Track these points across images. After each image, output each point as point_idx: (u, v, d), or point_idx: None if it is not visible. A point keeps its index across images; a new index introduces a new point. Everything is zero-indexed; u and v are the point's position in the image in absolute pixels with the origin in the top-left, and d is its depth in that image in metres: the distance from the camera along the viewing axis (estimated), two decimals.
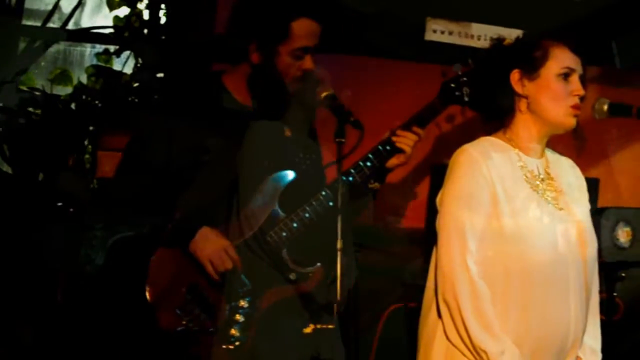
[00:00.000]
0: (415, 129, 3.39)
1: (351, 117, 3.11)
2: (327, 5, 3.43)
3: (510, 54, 3.00)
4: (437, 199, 2.96)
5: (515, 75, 2.96)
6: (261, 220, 3.31)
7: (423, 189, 4.40)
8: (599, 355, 3.07)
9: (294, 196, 3.32)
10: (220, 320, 3.25)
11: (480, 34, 4.41)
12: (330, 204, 3.24)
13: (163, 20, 5.22)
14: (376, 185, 3.45)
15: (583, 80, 2.98)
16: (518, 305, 2.84)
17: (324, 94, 3.20)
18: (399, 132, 3.39)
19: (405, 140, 3.38)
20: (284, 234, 3.31)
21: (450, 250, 2.85)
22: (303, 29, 3.33)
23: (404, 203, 4.30)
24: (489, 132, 3.05)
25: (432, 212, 3.02)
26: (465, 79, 3.35)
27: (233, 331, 3.25)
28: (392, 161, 3.41)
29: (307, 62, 3.34)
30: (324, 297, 3.06)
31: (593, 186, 4.22)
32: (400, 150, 3.37)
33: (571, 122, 2.95)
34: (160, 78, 4.80)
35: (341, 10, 3.96)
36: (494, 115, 3.05)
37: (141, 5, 5.32)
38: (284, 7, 3.36)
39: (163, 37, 5.11)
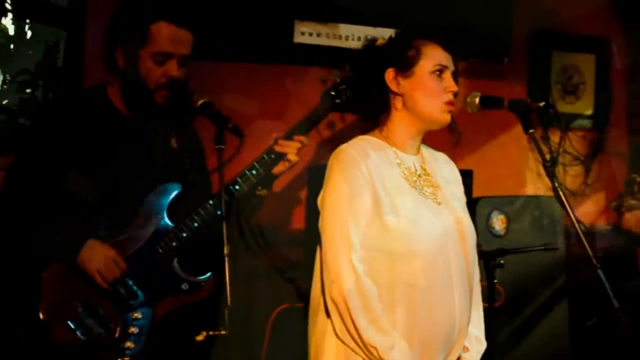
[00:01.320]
0: (297, 137, 3.43)
1: (230, 123, 3.09)
2: (187, 9, 3.39)
3: (384, 54, 3.04)
4: (319, 200, 2.97)
5: (390, 74, 3.00)
6: (150, 232, 3.30)
7: (301, 190, 4.42)
8: (484, 343, 3.14)
9: (183, 206, 3.32)
10: (114, 332, 3.22)
11: (348, 34, 4.44)
12: (219, 212, 3.23)
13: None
14: (264, 192, 3.45)
15: (455, 76, 3.04)
16: (404, 300, 2.87)
17: (200, 102, 3.19)
18: (281, 142, 3.42)
19: (289, 149, 3.41)
20: (174, 243, 3.30)
21: (335, 249, 2.86)
22: (163, 32, 3.30)
23: (284, 205, 4.31)
24: (366, 131, 3.08)
25: (311, 213, 3.02)
26: (344, 86, 3.38)
27: (128, 343, 3.23)
28: (278, 168, 3.44)
29: (172, 69, 3.31)
30: (216, 304, 3.04)
31: (467, 178, 4.32)
32: (283, 156, 3.41)
33: (446, 118, 3.00)
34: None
35: (206, 15, 3.91)
36: (371, 114, 3.09)
37: (6, 21, 5.16)
38: (143, 10, 3.33)
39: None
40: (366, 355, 2.83)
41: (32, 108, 3.37)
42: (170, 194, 3.34)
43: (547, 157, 2.93)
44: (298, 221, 4.49)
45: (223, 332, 2.78)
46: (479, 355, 3.11)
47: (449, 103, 2.99)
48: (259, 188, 3.45)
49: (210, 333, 2.84)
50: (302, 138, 3.44)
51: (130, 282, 3.27)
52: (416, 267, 2.87)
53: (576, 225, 2.78)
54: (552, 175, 2.90)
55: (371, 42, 3.10)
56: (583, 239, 2.75)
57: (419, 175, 3.04)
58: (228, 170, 3.04)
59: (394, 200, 2.91)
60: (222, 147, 2.98)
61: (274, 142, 3.43)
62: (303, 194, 4.41)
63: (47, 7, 3.41)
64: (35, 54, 4.24)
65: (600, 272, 2.72)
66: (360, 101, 3.12)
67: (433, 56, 3.00)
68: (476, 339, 3.11)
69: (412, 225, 2.89)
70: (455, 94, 3.02)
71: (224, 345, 2.80)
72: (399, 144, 3.04)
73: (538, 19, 5.28)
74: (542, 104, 2.95)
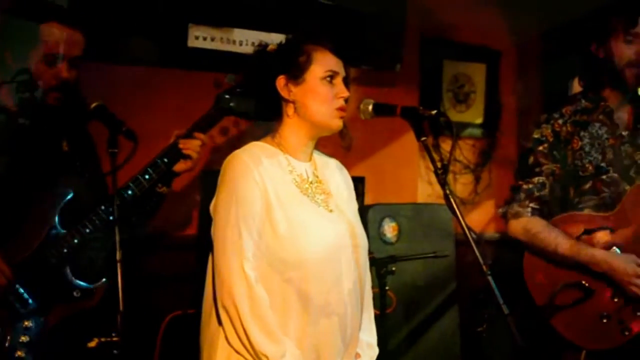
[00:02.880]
0: (198, 135, 3.42)
1: (123, 127, 3.07)
2: (78, 9, 3.35)
3: (275, 60, 3.03)
4: (211, 206, 2.96)
5: (281, 81, 3.00)
6: (40, 237, 3.25)
7: (194, 195, 4.38)
8: (376, 349, 3.17)
9: (75, 211, 3.27)
10: (5, 341, 3.16)
11: (242, 39, 4.42)
12: (111, 217, 3.19)
13: None
14: (164, 189, 3.42)
15: (347, 82, 3.05)
16: (296, 307, 2.87)
17: (93, 105, 3.15)
18: (182, 140, 3.41)
19: (190, 146, 3.40)
20: (65, 250, 3.24)
21: (227, 257, 2.84)
22: (51, 33, 3.27)
23: (175, 210, 4.26)
24: (258, 137, 3.07)
25: (204, 218, 2.99)
26: (238, 90, 3.36)
27: (19, 352, 3.17)
28: (180, 166, 3.42)
29: (62, 70, 3.28)
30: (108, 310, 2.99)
31: (359, 184, 4.34)
32: (181, 157, 3.40)
33: (338, 124, 3.01)
34: None
35: (100, 17, 3.86)
36: (263, 118, 3.07)
37: None
38: (33, 12, 3.30)
39: None
40: None
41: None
42: (62, 198, 3.27)
43: (439, 164, 2.92)
44: (191, 227, 4.45)
45: (115, 339, 2.75)
46: None
47: (341, 109, 3.00)
48: (159, 185, 3.43)
49: (102, 339, 2.81)
50: (202, 136, 3.43)
51: (21, 290, 3.20)
52: (307, 275, 2.87)
53: (467, 232, 2.81)
54: (443, 183, 2.92)
55: (262, 48, 3.09)
56: (474, 246, 2.78)
57: (311, 182, 3.04)
58: (122, 174, 3.02)
59: (286, 208, 2.91)
60: (116, 150, 2.96)
61: (174, 140, 3.42)
62: (196, 199, 4.37)
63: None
64: None
65: (490, 279, 2.75)
66: (253, 106, 3.11)
67: (323, 62, 3.00)
68: (368, 345, 3.13)
69: (303, 232, 2.89)
70: (347, 100, 3.02)
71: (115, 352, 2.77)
72: (292, 151, 3.03)
73: (430, 28, 5.36)
74: (434, 112, 2.97)
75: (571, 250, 3.70)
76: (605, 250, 3.69)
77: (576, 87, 4.53)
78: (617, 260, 3.66)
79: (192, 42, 4.31)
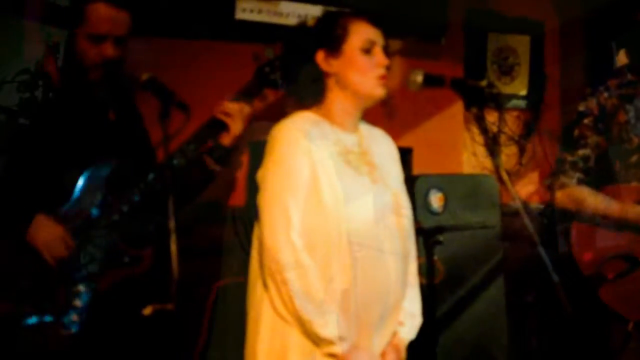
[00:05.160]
0: (235, 104, 3.41)
1: (175, 98, 3.09)
2: None
3: (313, 36, 3.06)
4: (258, 176, 2.99)
5: (320, 55, 3.02)
6: (91, 205, 3.29)
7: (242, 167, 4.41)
8: (419, 319, 3.17)
9: (124, 179, 3.30)
10: (60, 306, 3.21)
11: (289, 11, 4.43)
12: (158, 186, 3.23)
13: None
14: (217, 167, 3.44)
15: (386, 50, 3.06)
16: (340, 275, 2.90)
17: (144, 77, 3.18)
18: (221, 105, 3.41)
19: (229, 110, 3.39)
20: (115, 217, 3.27)
21: (273, 224, 2.88)
22: (98, 13, 3.31)
23: (224, 181, 4.29)
24: (305, 107, 3.09)
25: (252, 189, 3.02)
26: (278, 62, 3.38)
27: (73, 317, 3.21)
28: (225, 139, 3.40)
29: (107, 49, 3.32)
30: (161, 277, 3.03)
31: (407, 155, 4.35)
32: (224, 128, 3.39)
33: (380, 92, 3.03)
34: None
35: None
36: (307, 95, 3.09)
37: None
38: None
39: None
40: (301, 328, 2.86)
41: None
42: (109, 167, 3.31)
43: (489, 135, 2.93)
44: (238, 198, 4.48)
45: (169, 306, 2.79)
46: (415, 330, 3.15)
47: (382, 77, 3.02)
48: (214, 162, 3.44)
49: (157, 307, 2.84)
50: (242, 104, 3.43)
51: (75, 256, 3.25)
52: (352, 245, 2.90)
53: (518, 202, 2.82)
54: (494, 154, 2.94)
55: (302, 23, 3.14)
56: (525, 216, 2.78)
57: (357, 154, 3.06)
58: (173, 145, 3.07)
59: (331, 178, 2.93)
60: (167, 121, 2.99)
61: (216, 111, 3.42)
62: (244, 170, 4.40)
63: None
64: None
65: (540, 248, 2.76)
66: (296, 82, 3.13)
67: (361, 33, 3.02)
68: (410, 315, 3.14)
69: (347, 203, 2.91)
70: (388, 68, 3.04)
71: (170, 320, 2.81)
72: (338, 122, 3.06)
73: (474, 0, 5.34)
74: (484, 82, 2.98)
75: (621, 211, 3.71)
76: None
77: (622, 58, 4.50)
78: None
79: (239, 15, 4.34)
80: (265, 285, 2.93)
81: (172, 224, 2.81)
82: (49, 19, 3.50)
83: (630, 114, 3.81)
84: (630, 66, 3.93)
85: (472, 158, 5.31)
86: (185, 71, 4.28)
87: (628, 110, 3.81)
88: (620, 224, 3.71)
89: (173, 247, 2.78)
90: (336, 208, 2.89)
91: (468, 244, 4.55)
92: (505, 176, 2.93)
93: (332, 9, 3.17)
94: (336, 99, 3.05)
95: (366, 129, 3.17)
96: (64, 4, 3.36)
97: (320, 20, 3.09)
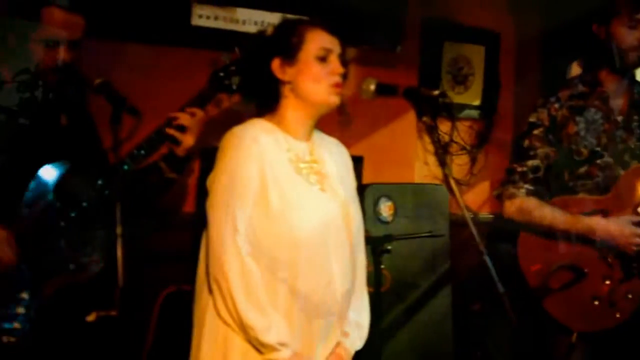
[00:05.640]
0: (188, 109, 3.43)
1: (127, 103, 3.10)
2: None
3: (270, 42, 3.08)
4: (208, 181, 3.00)
5: (276, 63, 3.03)
6: (38, 211, 3.28)
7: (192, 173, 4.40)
8: (365, 329, 3.21)
9: (73, 185, 3.29)
10: (2, 313, 3.20)
11: (245, 19, 4.43)
12: (107, 192, 3.22)
13: None
14: (174, 175, 3.43)
15: (343, 59, 3.08)
16: (286, 282, 2.92)
17: (97, 81, 3.18)
18: (175, 114, 3.44)
19: (183, 118, 3.40)
20: (62, 223, 3.25)
21: (220, 230, 2.89)
22: (52, 17, 3.32)
23: (179, 187, 4.28)
24: (259, 115, 3.11)
25: (202, 195, 3.02)
26: (233, 68, 3.39)
27: (15, 324, 3.19)
28: (179, 148, 3.41)
29: (61, 53, 3.33)
30: (105, 284, 3.02)
31: (358, 164, 4.36)
32: (178, 136, 3.40)
33: (334, 100, 3.05)
34: None
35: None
36: (262, 102, 3.10)
37: None
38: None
39: None
40: (244, 334, 2.88)
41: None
42: (59, 172, 3.29)
43: (438, 145, 2.95)
44: (189, 204, 4.47)
45: (113, 313, 2.78)
46: (361, 341, 3.18)
47: (335, 85, 3.04)
48: (169, 170, 3.46)
49: (102, 313, 2.83)
50: (197, 110, 3.44)
51: (19, 262, 3.24)
52: (298, 251, 2.92)
53: (465, 212, 2.84)
54: (443, 163, 2.95)
55: (262, 32, 3.15)
56: (471, 226, 2.81)
57: (308, 162, 3.09)
58: (124, 150, 3.10)
59: (280, 186, 2.95)
60: (118, 126, 2.99)
61: (166, 121, 3.43)
62: (194, 177, 4.39)
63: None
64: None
65: (486, 258, 2.79)
66: (251, 89, 3.15)
67: (317, 41, 3.04)
68: (357, 324, 3.17)
69: (294, 211, 2.94)
70: (345, 76, 3.06)
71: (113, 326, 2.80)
72: (290, 130, 3.08)
73: (431, 9, 5.36)
74: (436, 92, 3.00)
75: (567, 223, 3.75)
76: (600, 218, 3.74)
77: (574, 70, 4.56)
78: (613, 224, 3.72)
79: (195, 21, 4.33)
80: (210, 291, 2.94)
81: (119, 230, 2.81)
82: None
83: (580, 126, 3.85)
84: (582, 77, 3.98)
85: (424, 167, 5.33)
86: (140, 76, 4.25)
87: (578, 121, 3.85)
88: (567, 237, 3.75)
89: (119, 254, 2.78)
90: (283, 215, 2.91)
91: (416, 253, 4.59)
92: (454, 186, 2.95)
93: (290, 16, 3.18)
94: (290, 106, 3.06)
95: (319, 138, 3.19)
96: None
97: (277, 28, 3.11)
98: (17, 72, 3.34)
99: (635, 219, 3.72)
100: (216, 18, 4.37)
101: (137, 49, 4.29)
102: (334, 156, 3.20)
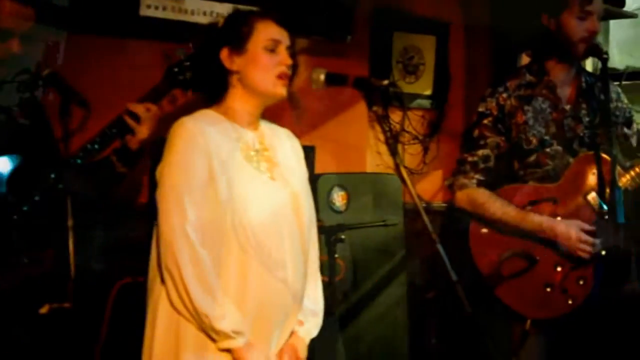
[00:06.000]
0: (146, 105, 3.42)
1: (75, 95, 3.07)
2: None
3: (219, 33, 3.10)
4: (157, 172, 3.00)
5: (224, 53, 3.05)
6: None
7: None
8: (320, 316, 3.23)
9: (25, 179, 3.27)
10: None
11: (194, 9, 4.41)
12: (60, 185, 3.19)
13: None
14: (125, 169, 3.42)
15: (292, 51, 3.10)
16: (237, 271, 2.93)
17: (45, 72, 3.16)
18: (129, 105, 3.41)
19: (137, 110, 3.38)
20: (15, 216, 3.22)
21: (170, 219, 2.89)
22: (3, 9, 3.26)
23: (133, 179, 4.25)
24: (206, 105, 3.12)
25: (153, 185, 3.02)
26: (187, 63, 3.38)
27: None
28: (132, 142, 3.39)
29: (13, 46, 3.28)
30: (59, 277, 3.00)
31: (310, 153, 4.36)
32: (131, 130, 3.39)
33: (280, 91, 3.07)
34: None
35: None
36: (211, 92, 3.12)
37: None
38: None
39: None
40: (198, 323, 2.88)
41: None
42: (11, 166, 3.26)
43: (389, 134, 2.97)
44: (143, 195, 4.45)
45: (66, 305, 2.76)
46: (316, 329, 3.20)
47: (281, 76, 3.06)
48: (121, 165, 3.44)
49: (54, 306, 2.82)
50: (152, 106, 3.43)
51: None
52: (248, 240, 2.93)
53: (417, 201, 2.86)
54: (394, 152, 2.97)
55: (213, 23, 3.17)
56: (423, 215, 2.83)
57: (257, 151, 3.10)
58: (74, 143, 3.05)
59: (229, 175, 2.96)
60: (68, 118, 2.96)
61: (119, 115, 3.41)
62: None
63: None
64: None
65: (439, 246, 2.80)
66: (201, 79, 3.17)
67: (266, 32, 3.07)
68: (312, 313, 3.19)
69: (244, 200, 2.95)
70: (292, 67, 3.09)
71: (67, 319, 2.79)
72: (238, 119, 3.09)
73: None
74: (386, 82, 3.01)
75: (516, 218, 3.78)
76: (549, 217, 3.77)
77: (524, 60, 4.59)
78: (561, 225, 3.75)
79: (144, 11, 4.30)
80: (163, 281, 2.93)
81: (70, 222, 2.79)
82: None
83: (529, 115, 3.88)
84: (529, 67, 4.01)
85: (376, 157, 5.33)
86: (91, 68, 4.22)
87: (526, 110, 3.89)
88: (515, 231, 3.79)
89: (71, 246, 2.76)
90: (233, 204, 2.92)
91: (370, 242, 4.60)
92: (405, 175, 2.97)
93: (240, 7, 3.19)
94: (237, 96, 3.08)
95: (268, 127, 3.20)
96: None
97: (227, 18, 3.13)
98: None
99: (586, 226, 3.75)
100: (164, 8, 4.35)
101: (86, 40, 4.25)
102: (284, 146, 3.22)
